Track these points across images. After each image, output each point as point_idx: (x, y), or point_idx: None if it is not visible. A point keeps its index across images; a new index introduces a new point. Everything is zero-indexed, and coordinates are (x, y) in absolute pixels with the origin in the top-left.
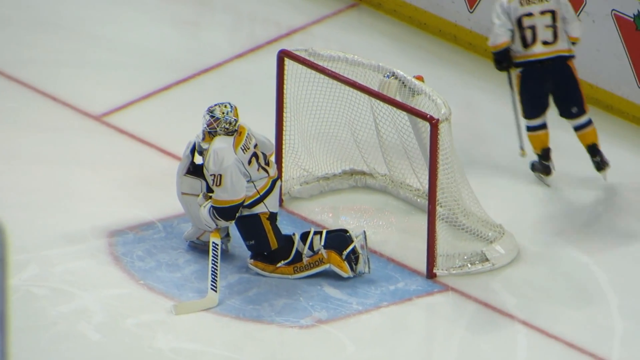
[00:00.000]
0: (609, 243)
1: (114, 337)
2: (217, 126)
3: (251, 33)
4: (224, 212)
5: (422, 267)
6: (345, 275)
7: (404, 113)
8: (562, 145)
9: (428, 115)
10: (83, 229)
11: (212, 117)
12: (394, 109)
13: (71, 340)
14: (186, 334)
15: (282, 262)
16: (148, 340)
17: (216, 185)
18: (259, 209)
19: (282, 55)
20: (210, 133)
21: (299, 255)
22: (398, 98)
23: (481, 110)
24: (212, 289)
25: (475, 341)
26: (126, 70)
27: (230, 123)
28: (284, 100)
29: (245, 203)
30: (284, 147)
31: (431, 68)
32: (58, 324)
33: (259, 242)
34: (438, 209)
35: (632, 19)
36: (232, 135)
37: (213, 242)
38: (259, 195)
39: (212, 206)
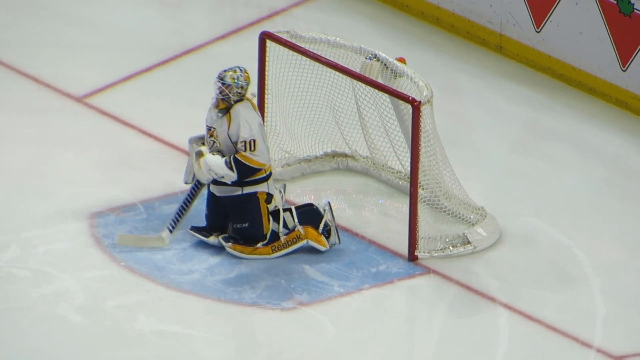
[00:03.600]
0: (592, 226)
1: (95, 319)
2: (230, 92)
3: (233, 15)
4: (245, 168)
5: (404, 249)
6: (323, 249)
7: (386, 95)
8: (545, 128)
9: (410, 98)
10: (64, 210)
11: (223, 83)
12: (376, 91)
13: (52, 322)
14: (167, 316)
15: (260, 243)
16: (129, 322)
17: (250, 150)
18: (261, 187)
19: (264, 37)
20: (223, 100)
21: (275, 235)
22: (380, 80)
23: (463, 92)
24: (168, 228)
25: (456, 324)
26: (108, 51)
27: (242, 87)
28: (266, 82)
29: (253, 178)
30: (265, 129)
31: (413, 50)
32: (39, 306)
33: (253, 225)
34: (420, 191)
35: (615, 1)
36: (246, 101)
37: (197, 182)
38: (265, 174)
39: (235, 157)
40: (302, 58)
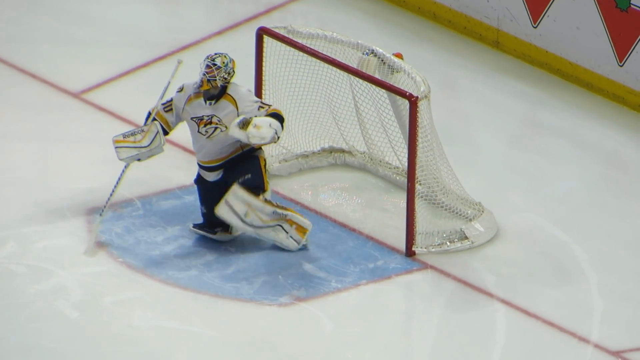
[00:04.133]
0: (589, 221)
1: (93, 315)
2: (217, 75)
3: (230, 10)
4: (282, 118)
5: (401, 245)
6: (306, 222)
7: (383, 91)
8: (542, 123)
9: (407, 93)
10: (62, 206)
11: (214, 64)
12: (373, 86)
13: (49, 318)
14: (165, 312)
15: (262, 195)
16: (127, 318)
17: (268, 105)
18: (260, 152)
19: (261, 33)
20: (209, 81)
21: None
22: (377, 76)
23: (460, 88)
24: (99, 214)
25: (454, 319)
26: (105, 47)
27: (228, 73)
28: (263, 77)
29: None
30: None
31: (410, 45)
32: (36, 302)
33: (255, 176)
34: (417, 186)
35: None
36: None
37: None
38: None
39: (271, 113)
40: (300, 54)
